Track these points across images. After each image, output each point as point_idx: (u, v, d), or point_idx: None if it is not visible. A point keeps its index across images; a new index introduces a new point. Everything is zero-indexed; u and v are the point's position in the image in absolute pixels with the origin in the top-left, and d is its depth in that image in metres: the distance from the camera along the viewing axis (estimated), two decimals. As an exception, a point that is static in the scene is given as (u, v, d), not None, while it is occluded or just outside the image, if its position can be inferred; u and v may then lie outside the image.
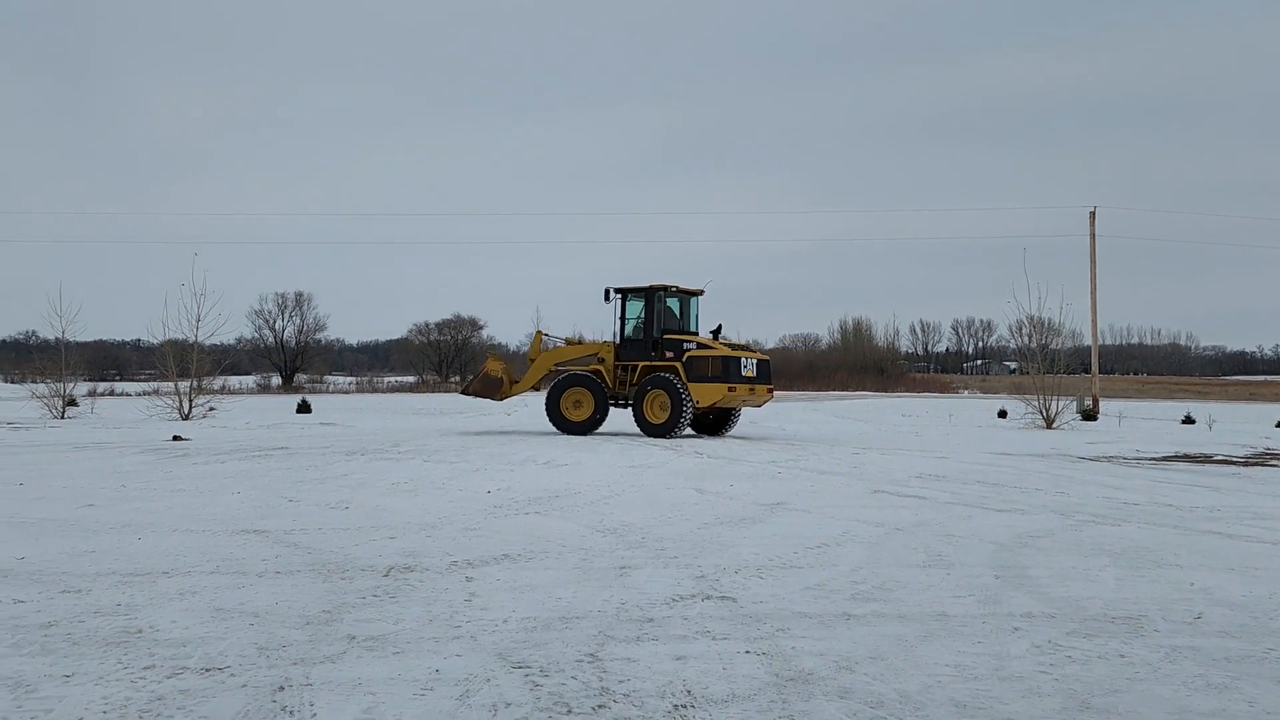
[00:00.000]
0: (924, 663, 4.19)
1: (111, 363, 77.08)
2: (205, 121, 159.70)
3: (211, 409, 27.78)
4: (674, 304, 19.53)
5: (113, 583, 5.66)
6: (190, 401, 26.97)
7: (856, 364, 72.45)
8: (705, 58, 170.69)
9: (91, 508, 8.71)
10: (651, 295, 19.13)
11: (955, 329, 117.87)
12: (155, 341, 30.22)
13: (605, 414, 19.16)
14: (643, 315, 19.18)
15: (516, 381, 21.00)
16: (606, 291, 19.43)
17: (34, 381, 30.83)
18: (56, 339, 29.74)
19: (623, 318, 19.45)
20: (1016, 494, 10.12)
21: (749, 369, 18.79)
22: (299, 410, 30.33)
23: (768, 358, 20.01)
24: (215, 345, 33.33)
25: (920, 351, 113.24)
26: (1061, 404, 24.60)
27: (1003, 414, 28.57)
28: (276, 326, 75.69)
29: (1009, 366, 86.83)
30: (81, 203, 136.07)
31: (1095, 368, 34.24)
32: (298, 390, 58.24)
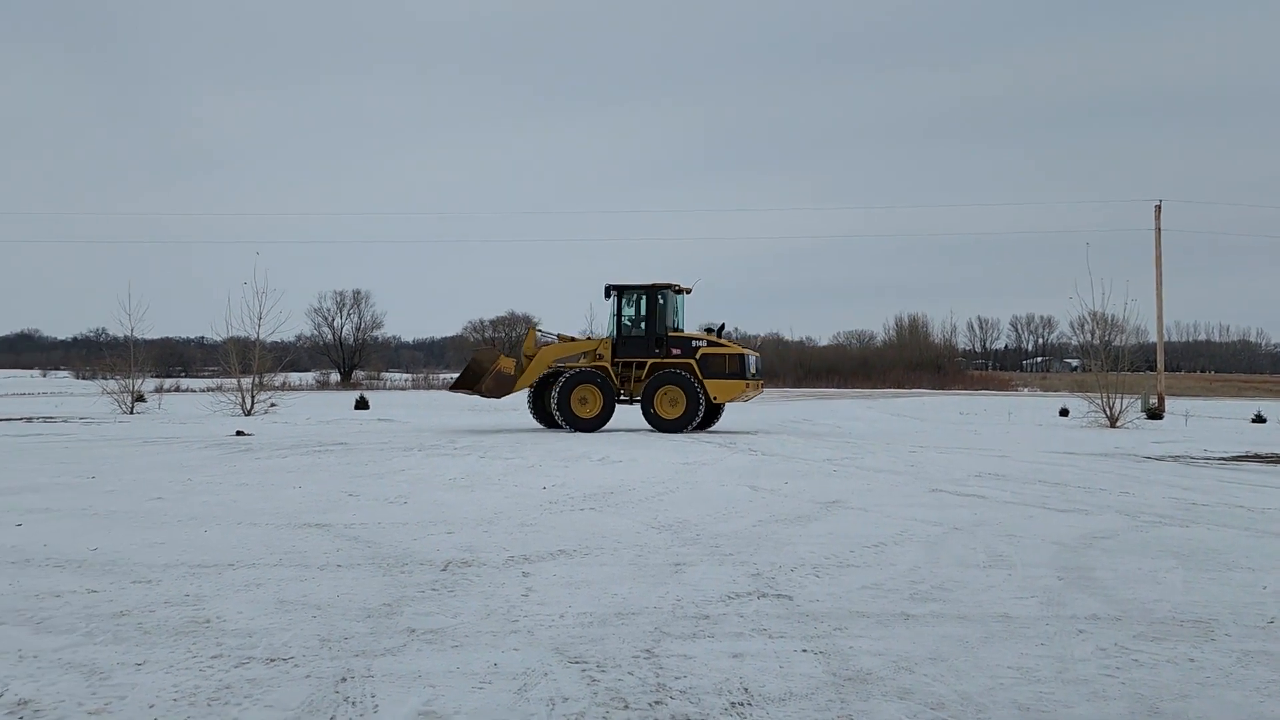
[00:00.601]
0: (985, 664, 4.13)
1: (177, 360, 78.97)
2: (268, 124, 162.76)
3: (273, 405, 28.36)
4: (673, 302, 19.85)
5: (181, 574, 5.81)
6: (252, 397, 27.56)
7: (912, 361, 71.48)
8: (748, 55, 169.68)
9: (160, 501, 8.93)
10: (654, 293, 19.54)
11: (1014, 325, 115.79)
12: (219, 339, 31.04)
13: (613, 411, 19.26)
14: (644, 312, 19.53)
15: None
16: (607, 289, 19.76)
17: (104, 378, 31.69)
18: (125, 337, 30.56)
19: (619, 315, 19.67)
20: (1080, 494, 9.93)
21: (753, 365, 19.70)
22: (357, 406, 30.80)
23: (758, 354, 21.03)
24: (276, 343, 34.09)
25: (978, 348, 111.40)
26: (1126, 402, 24.03)
27: (1064, 412, 28.02)
28: (335, 324, 76.92)
29: (1070, 364, 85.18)
30: (149, 205, 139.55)
31: (1161, 365, 33.43)
32: (355, 387, 59.18)
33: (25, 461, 12.77)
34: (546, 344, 20.15)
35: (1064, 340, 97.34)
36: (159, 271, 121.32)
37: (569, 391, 18.99)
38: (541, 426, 20.25)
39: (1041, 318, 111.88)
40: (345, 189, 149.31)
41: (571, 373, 19.13)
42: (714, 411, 20.11)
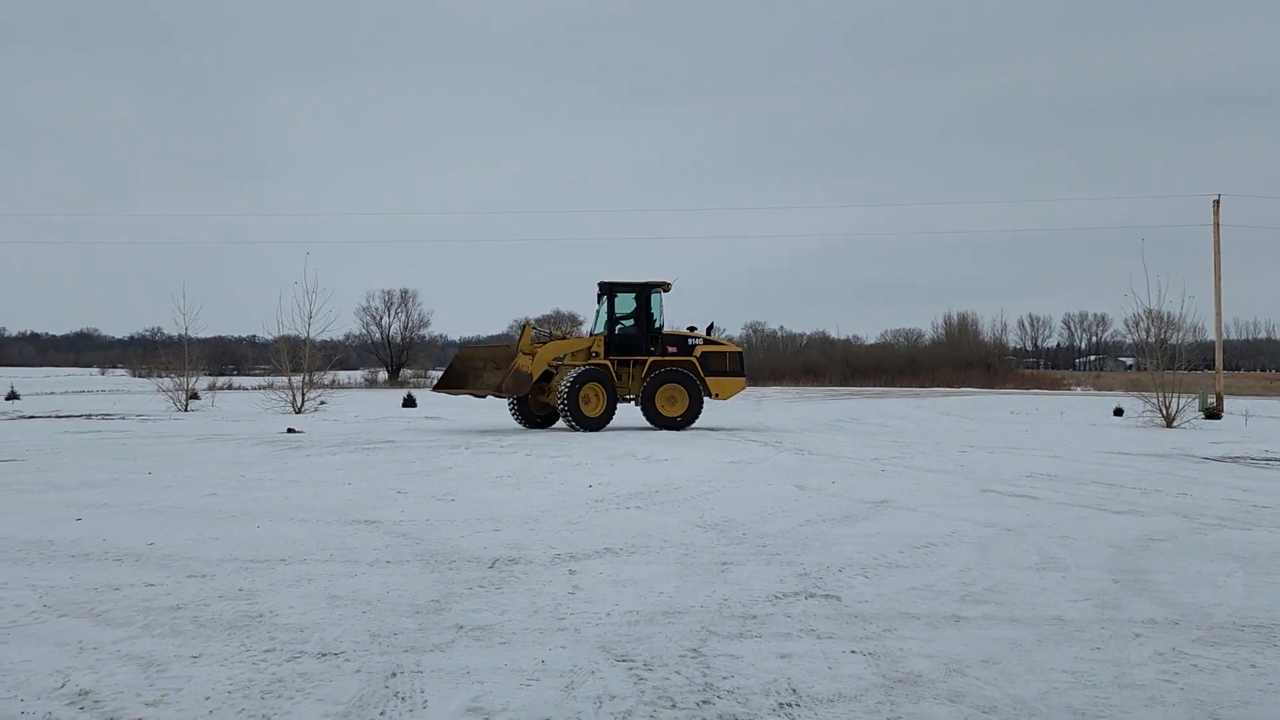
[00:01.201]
0: (1039, 668, 4.06)
1: (229, 358, 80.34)
2: (319, 125, 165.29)
3: (322, 403, 28.74)
4: (659, 299, 19.75)
5: (235, 568, 5.91)
6: (302, 395, 27.95)
7: (961, 359, 70.48)
8: (785, 55, 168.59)
9: (214, 496, 9.10)
10: (648, 291, 19.43)
11: (1066, 323, 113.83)
12: (270, 338, 31.48)
13: (615, 409, 18.91)
14: (638, 310, 19.43)
15: None
16: (601, 286, 19.58)
17: (159, 376, 32.34)
18: (180, 335, 31.13)
19: (613, 312, 19.40)
20: (1135, 495, 9.72)
21: (743, 363, 20.19)
22: (404, 404, 31.10)
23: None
24: (325, 341, 34.59)
25: (1029, 347, 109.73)
26: (1183, 401, 23.48)
27: (1119, 412, 27.45)
28: (383, 323, 77.78)
29: (1125, 363, 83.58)
30: (203, 206, 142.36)
31: (1219, 363, 32.63)
32: (403, 385, 59.77)
33: (85, 458, 13.08)
34: (542, 342, 19.66)
35: (1118, 338, 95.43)
36: (212, 271, 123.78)
37: (577, 390, 18.40)
38: (523, 427, 19.76)
39: (1095, 315, 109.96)
40: (393, 188, 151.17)
41: (579, 370, 18.56)
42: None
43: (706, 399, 19.54)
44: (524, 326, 19.92)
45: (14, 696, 3.63)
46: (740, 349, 20.41)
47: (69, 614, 4.82)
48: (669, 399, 19.09)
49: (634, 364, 19.35)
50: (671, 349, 19.39)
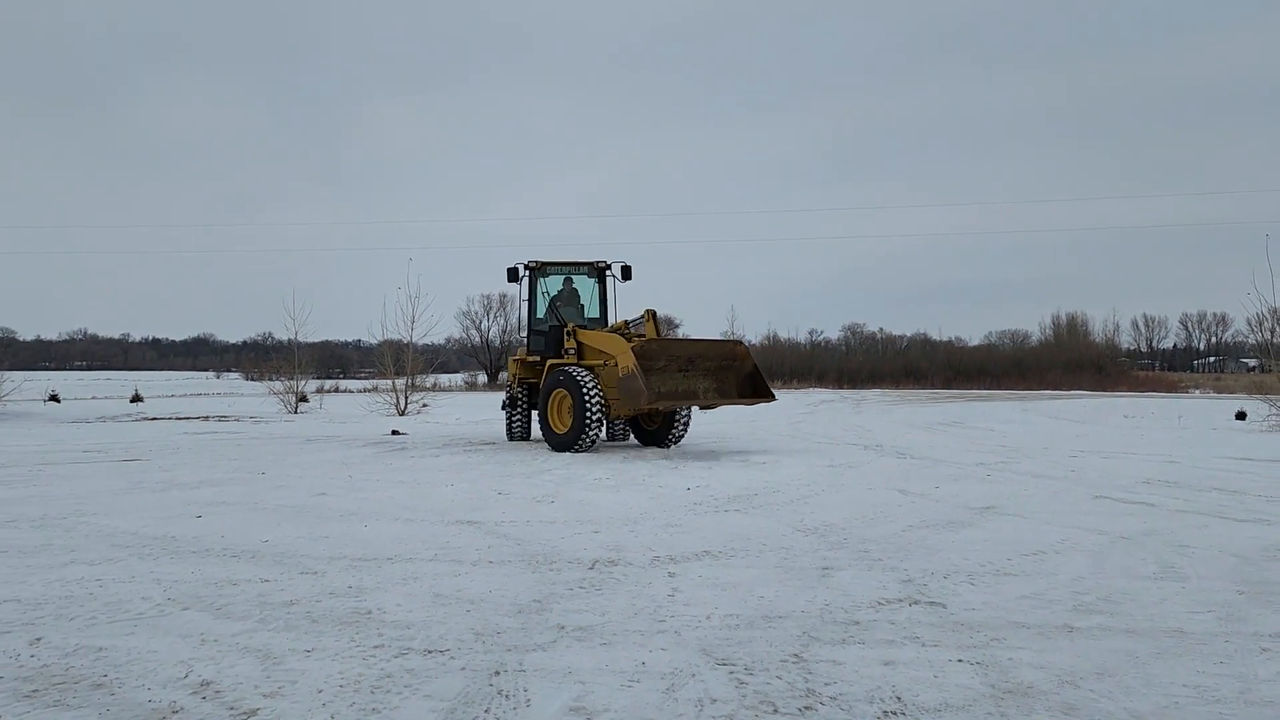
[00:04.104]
0: (1158, 681, 3.89)
1: (336, 361, 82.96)
2: (420, 133, 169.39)
3: (425, 405, 29.41)
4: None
5: (344, 566, 6.09)
6: (405, 398, 28.64)
7: (1071, 361, 68.05)
8: (883, 53, 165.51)
9: (323, 496, 9.39)
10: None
11: (1184, 323, 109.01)
12: (374, 342, 32.39)
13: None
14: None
15: None
16: (624, 269, 16.62)
17: (270, 379, 33.55)
18: (290, 340, 32.28)
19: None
20: (1261, 503, 9.24)
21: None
22: (503, 407, 31.55)
23: None
24: (427, 345, 35.37)
25: (1143, 348, 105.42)
26: (1311, 405, 22.27)
27: (1241, 415, 26.15)
28: (482, 327, 79.19)
29: (1247, 364, 79.53)
30: (312, 215, 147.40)
31: (1351, 365, 30.79)
32: (502, 388, 60.77)
33: (202, 457, 13.66)
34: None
35: (1240, 339, 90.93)
36: (321, 277, 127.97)
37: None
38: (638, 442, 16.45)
39: (1215, 315, 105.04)
40: (493, 196, 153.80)
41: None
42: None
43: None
44: (649, 313, 15.41)
45: (142, 685, 3.81)
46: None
47: (191, 607, 5.03)
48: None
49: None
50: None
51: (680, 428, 15.58)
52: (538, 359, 16.20)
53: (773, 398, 14.92)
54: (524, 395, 16.86)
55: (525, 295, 16.67)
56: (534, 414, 16.68)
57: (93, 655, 4.19)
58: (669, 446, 15.40)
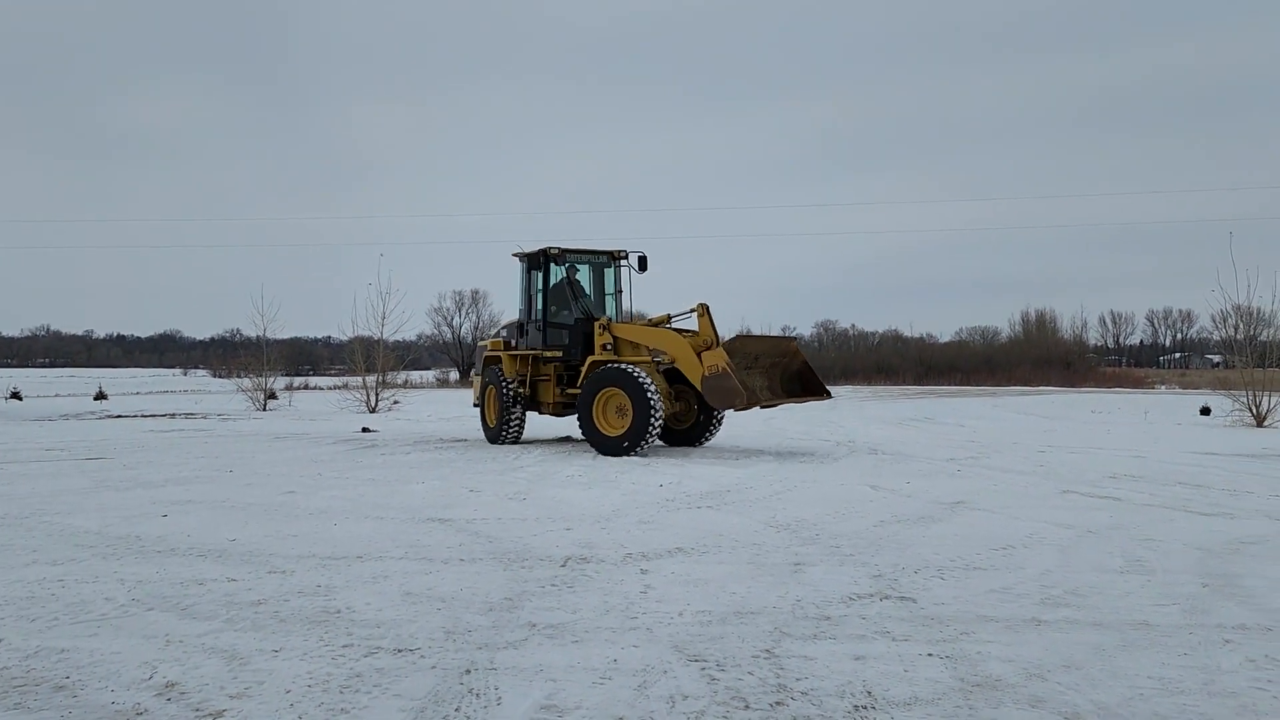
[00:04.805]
0: (1123, 674, 3.93)
1: (305, 358, 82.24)
2: (392, 130, 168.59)
3: (396, 402, 29.25)
4: None
5: (313, 565, 6.03)
6: (376, 395, 28.45)
7: (1040, 357, 68.73)
8: (865, 51, 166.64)
9: (292, 494, 9.30)
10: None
11: (1150, 320, 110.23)
12: (344, 338, 32.17)
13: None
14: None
15: None
16: (641, 260, 15.48)
17: (239, 376, 33.22)
18: (258, 337, 31.96)
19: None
20: (1224, 497, 9.38)
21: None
22: (476, 404, 31.44)
23: None
24: (398, 342, 35.19)
25: (1111, 344, 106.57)
26: (1274, 400, 22.63)
27: (1206, 411, 26.52)
28: (454, 323, 78.92)
29: (1212, 360, 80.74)
30: (280, 210, 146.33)
31: (1313, 360, 31.35)
32: (474, 384, 60.53)
33: (169, 456, 13.50)
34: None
35: (1205, 335, 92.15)
36: (289, 274, 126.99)
37: None
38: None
39: (1180, 312, 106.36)
40: (464, 192, 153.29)
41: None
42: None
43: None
44: (702, 307, 13.63)
45: (105, 687, 3.75)
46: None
47: (156, 608, 4.97)
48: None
49: None
50: None
51: (716, 425, 14.86)
52: (560, 353, 14.85)
53: (827, 395, 14.19)
54: (524, 394, 15.37)
55: (540, 285, 15.12)
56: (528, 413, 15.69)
57: (54, 657, 4.12)
58: (700, 445, 14.77)
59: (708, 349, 12.98)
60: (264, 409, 28.90)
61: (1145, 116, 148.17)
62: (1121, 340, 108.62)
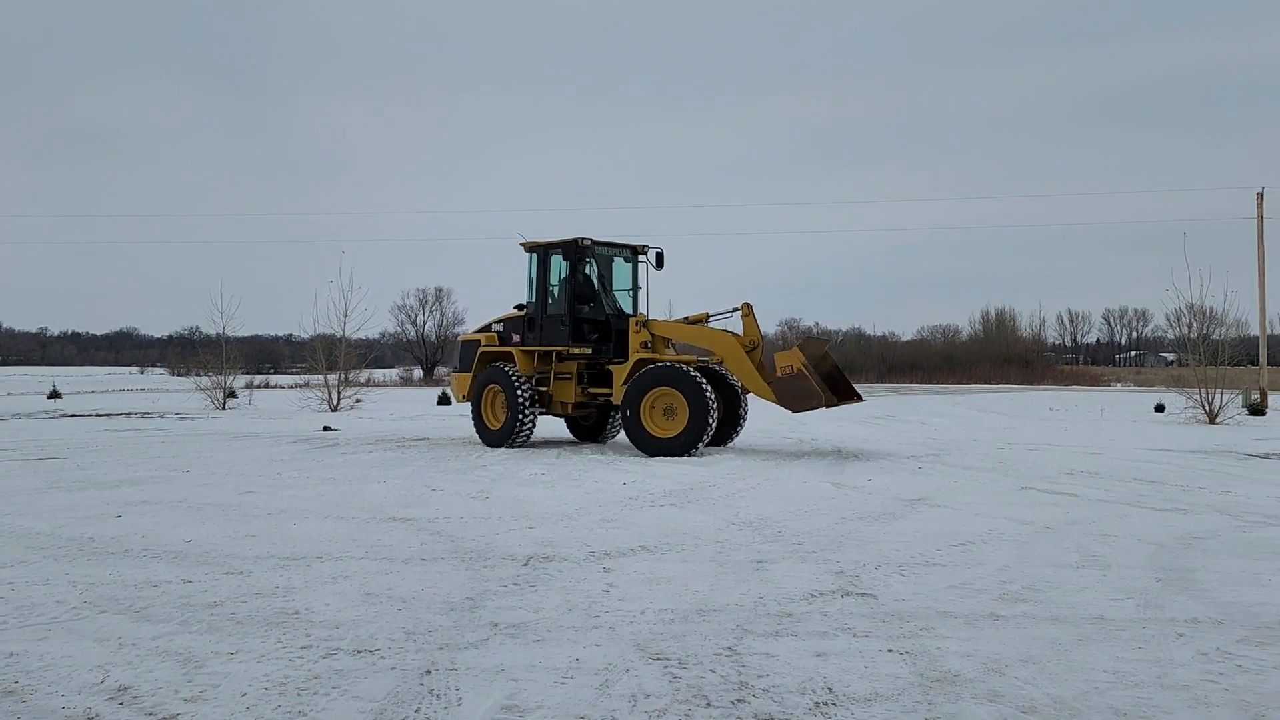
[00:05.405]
0: (1079, 667, 3.99)
1: (266, 356, 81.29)
2: (356, 129, 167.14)
3: (358, 401, 28.97)
4: None
5: (271, 565, 5.95)
6: (338, 394, 28.18)
7: (999, 356, 69.68)
8: (851, 49, 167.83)
9: (251, 494, 9.18)
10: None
11: (1106, 319, 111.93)
12: (306, 336, 31.82)
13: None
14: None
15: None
16: (658, 256, 14.89)
17: (197, 375, 32.74)
18: (218, 334, 31.57)
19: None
20: (1177, 492, 9.55)
21: None
22: (439, 402, 31.25)
23: None
24: (361, 340, 34.85)
25: (1068, 343, 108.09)
26: (1226, 398, 23.07)
27: (1160, 408, 26.98)
28: (418, 321, 78.41)
29: (1166, 358, 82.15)
30: (239, 207, 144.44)
31: (1264, 358, 31.98)
32: (438, 383, 60.15)
33: (124, 455, 13.27)
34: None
35: (1159, 334, 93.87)
36: (250, 270, 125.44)
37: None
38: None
39: (1136, 311, 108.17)
40: (428, 189, 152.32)
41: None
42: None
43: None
44: (747, 306, 13.61)
45: (55, 692, 3.68)
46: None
47: (109, 610, 4.88)
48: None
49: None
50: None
51: (743, 423, 14.52)
52: (589, 350, 14.24)
53: (859, 398, 13.79)
54: (546, 393, 14.56)
55: (560, 278, 14.47)
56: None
57: (3, 661, 4.04)
58: (726, 444, 14.27)
59: (753, 350, 12.86)
60: (223, 408, 28.53)
61: (1106, 118, 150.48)
62: (1079, 339, 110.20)
